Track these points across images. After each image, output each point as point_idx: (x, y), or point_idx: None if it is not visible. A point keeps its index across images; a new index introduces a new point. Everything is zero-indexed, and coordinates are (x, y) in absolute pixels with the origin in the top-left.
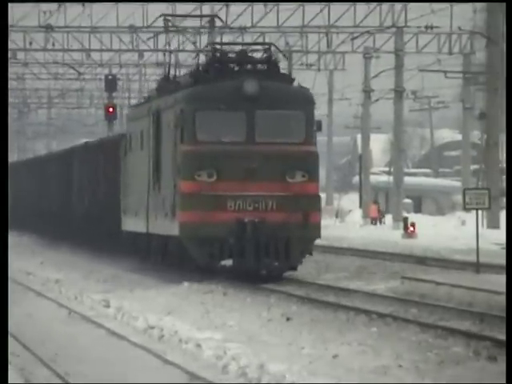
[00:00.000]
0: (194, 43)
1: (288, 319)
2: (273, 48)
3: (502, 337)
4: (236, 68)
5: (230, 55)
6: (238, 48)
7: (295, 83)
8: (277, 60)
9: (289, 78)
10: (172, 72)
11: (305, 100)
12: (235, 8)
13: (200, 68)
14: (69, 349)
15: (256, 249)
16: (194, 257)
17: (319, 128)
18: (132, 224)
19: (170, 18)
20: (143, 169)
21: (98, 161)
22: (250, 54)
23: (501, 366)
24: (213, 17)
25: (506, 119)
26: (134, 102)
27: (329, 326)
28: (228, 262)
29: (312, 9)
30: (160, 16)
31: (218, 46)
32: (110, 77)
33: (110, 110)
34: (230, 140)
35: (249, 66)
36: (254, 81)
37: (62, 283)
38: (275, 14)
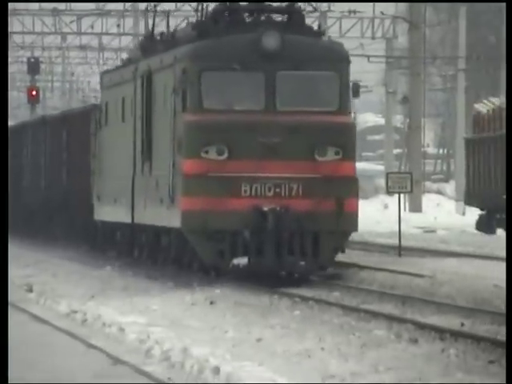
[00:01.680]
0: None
1: (211, 303)
2: None
3: (423, 319)
4: (250, 19)
5: (243, 2)
6: None
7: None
8: (301, 9)
9: (317, 32)
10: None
11: (338, 58)
12: None
13: (205, 19)
14: None
15: (277, 244)
16: (199, 254)
17: (356, 93)
18: (110, 212)
19: None
20: (126, 145)
21: (59, 138)
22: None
23: (422, 347)
24: None
25: (506, 119)
26: (57, 85)
27: (252, 309)
28: (242, 261)
29: None
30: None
31: None
32: (32, 59)
33: (33, 93)
34: (244, 108)
35: (266, 17)
36: (274, 33)
37: None
38: None
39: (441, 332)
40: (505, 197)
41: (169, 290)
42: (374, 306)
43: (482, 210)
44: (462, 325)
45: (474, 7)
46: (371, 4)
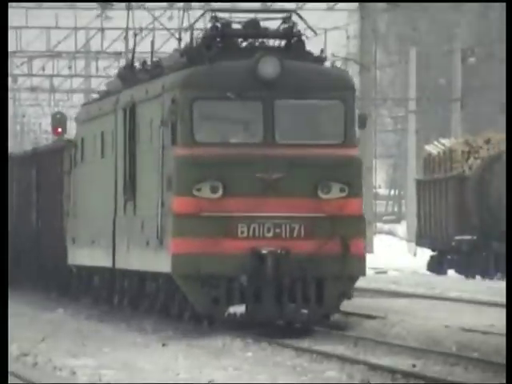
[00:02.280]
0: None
1: (164, 345)
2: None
3: (376, 360)
4: (246, 43)
5: (237, 27)
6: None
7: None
8: (301, 33)
9: (319, 57)
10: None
11: (343, 85)
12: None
13: (195, 44)
14: None
15: (277, 291)
16: (191, 301)
17: (363, 124)
18: (86, 256)
19: None
20: (106, 184)
21: (28, 177)
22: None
23: None
24: None
25: (506, 119)
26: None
27: (205, 351)
28: (239, 309)
29: None
30: None
31: (221, 14)
32: None
33: None
34: (240, 141)
35: (261, 42)
36: (273, 59)
37: None
38: None
39: (393, 373)
40: (457, 238)
41: (121, 333)
42: (327, 347)
43: (433, 250)
44: (414, 366)
45: (425, 49)
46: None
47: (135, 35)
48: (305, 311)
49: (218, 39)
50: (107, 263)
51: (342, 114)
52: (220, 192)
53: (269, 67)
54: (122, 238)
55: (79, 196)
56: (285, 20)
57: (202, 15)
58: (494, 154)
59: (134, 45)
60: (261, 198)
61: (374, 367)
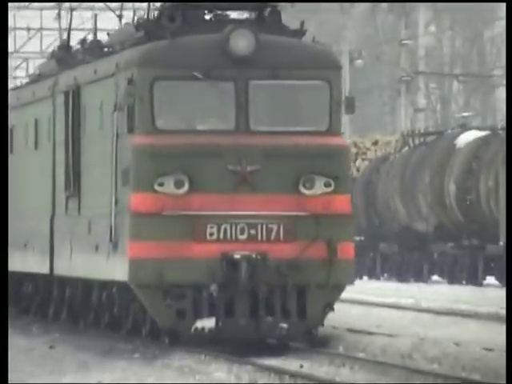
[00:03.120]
0: None
1: (51, 347)
2: None
3: (262, 361)
4: (211, 16)
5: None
6: None
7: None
8: (276, 4)
9: (297, 31)
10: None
11: (327, 63)
12: None
13: (154, 16)
14: None
15: (252, 302)
16: (152, 315)
17: (351, 108)
18: (17, 262)
19: None
20: (41, 178)
21: None
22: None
23: None
24: None
25: (506, 120)
26: None
27: (92, 353)
28: (208, 323)
29: None
30: None
31: None
32: None
33: None
34: (209, 128)
35: (234, 15)
36: (247, 32)
37: None
38: None
39: (280, 373)
40: None
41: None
42: (216, 348)
43: None
44: (301, 366)
45: None
46: None
47: (71, 10)
48: (284, 325)
49: (180, 11)
50: (43, 269)
51: (326, 96)
52: (186, 187)
53: (242, 42)
54: (63, 240)
55: (10, 192)
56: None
57: None
58: (381, 155)
59: (70, 21)
60: (233, 195)
61: (261, 367)
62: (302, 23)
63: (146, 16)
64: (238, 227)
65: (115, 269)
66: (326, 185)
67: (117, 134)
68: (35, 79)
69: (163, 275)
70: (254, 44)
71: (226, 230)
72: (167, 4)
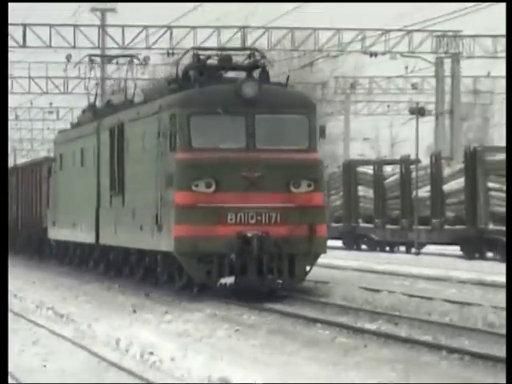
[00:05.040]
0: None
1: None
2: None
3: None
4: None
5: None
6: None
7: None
8: (265, 65)
9: (283, 84)
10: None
11: (306, 104)
12: None
13: (181, 74)
14: None
15: (259, 265)
16: (190, 274)
17: (323, 134)
18: (66, 234)
19: None
20: (86, 183)
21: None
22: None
23: None
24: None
25: (506, 120)
26: None
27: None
28: (229, 280)
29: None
30: None
31: (200, 52)
32: None
33: None
34: (228, 147)
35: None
36: (253, 83)
37: None
38: None
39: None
40: None
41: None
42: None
43: None
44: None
45: None
46: None
47: (102, 80)
48: (280, 281)
49: (203, 69)
50: (90, 240)
51: (306, 125)
52: (213, 187)
53: (250, 89)
54: (108, 222)
55: (59, 192)
56: (249, 55)
57: (187, 52)
58: None
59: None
60: (245, 193)
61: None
62: (288, 77)
63: (175, 74)
64: (249, 215)
65: (160, 242)
66: (309, 185)
67: (161, 153)
68: (76, 125)
69: (197, 247)
70: (258, 90)
71: (240, 217)
72: (187, 66)
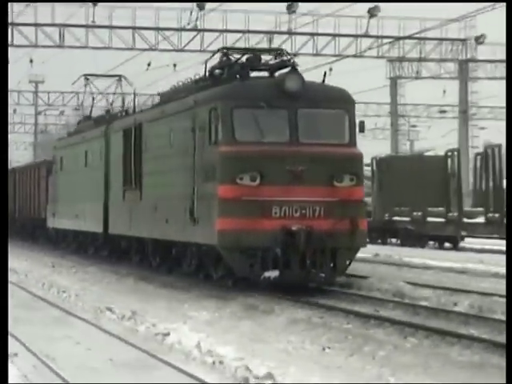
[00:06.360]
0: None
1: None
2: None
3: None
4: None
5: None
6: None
7: None
8: (296, 64)
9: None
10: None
11: (347, 99)
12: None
13: (213, 70)
14: None
15: (302, 259)
16: (231, 266)
17: (362, 129)
18: (67, 223)
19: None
20: (91, 181)
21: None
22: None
23: None
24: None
25: (506, 121)
26: None
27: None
28: (273, 274)
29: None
30: None
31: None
32: None
33: None
34: (272, 140)
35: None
36: (296, 77)
37: None
38: None
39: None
40: None
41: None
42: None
43: None
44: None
45: None
46: None
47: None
48: (322, 275)
49: (236, 67)
50: (98, 229)
51: (346, 120)
52: (258, 181)
53: (294, 83)
54: (118, 214)
55: (60, 189)
56: (275, 56)
57: (216, 52)
58: None
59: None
60: (290, 186)
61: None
62: (325, 73)
63: (210, 71)
64: (293, 208)
65: (195, 235)
66: (351, 179)
67: (194, 147)
68: (74, 132)
69: (241, 240)
70: (301, 84)
71: (285, 210)
72: (234, 63)
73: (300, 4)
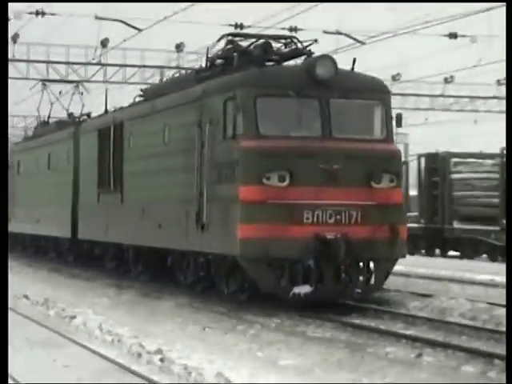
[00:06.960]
0: None
1: None
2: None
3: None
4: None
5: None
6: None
7: None
8: (311, 52)
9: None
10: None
11: (382, 89)
12: None
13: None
14: None
15: (338, 272)
16: (255, 281)
17: (399, 123)
18: (28, 228)
19: None
20: (56, 184)
21: None
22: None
23: None
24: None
25: (506, 121)
26: None
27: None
28: (304, 289)
29: None
30: None
31: (236, 38)
32: None
33: None
34: (301, 134)
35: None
36: (330, 62)
37: None
38: None
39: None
40: None
41: None
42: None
43: None
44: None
45: None
46: None
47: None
48: (359, 290)
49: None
50: (66, 234)
51: (382, 113)
52: (287, 181)
53: (326, 69)
54: (88, 217)
55: (18, 194)
56: (286, 44)
57: (220, 39)
58: None
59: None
60: (323, 188)
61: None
62: (354, 60)
63: (215, 57)
64: (327, 213)
65: (204, 243)
66: (391, 180)
67: (201, 144)
68: (35, 136)
69: (268, 250)
70: (334, 71)
71: (318, 216)
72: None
73: (186, 43)
